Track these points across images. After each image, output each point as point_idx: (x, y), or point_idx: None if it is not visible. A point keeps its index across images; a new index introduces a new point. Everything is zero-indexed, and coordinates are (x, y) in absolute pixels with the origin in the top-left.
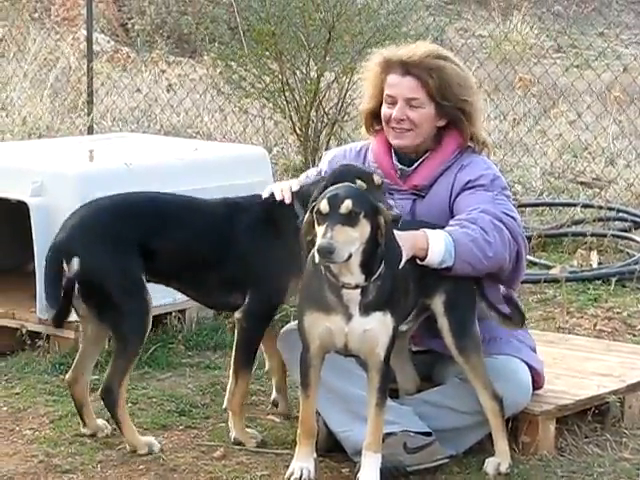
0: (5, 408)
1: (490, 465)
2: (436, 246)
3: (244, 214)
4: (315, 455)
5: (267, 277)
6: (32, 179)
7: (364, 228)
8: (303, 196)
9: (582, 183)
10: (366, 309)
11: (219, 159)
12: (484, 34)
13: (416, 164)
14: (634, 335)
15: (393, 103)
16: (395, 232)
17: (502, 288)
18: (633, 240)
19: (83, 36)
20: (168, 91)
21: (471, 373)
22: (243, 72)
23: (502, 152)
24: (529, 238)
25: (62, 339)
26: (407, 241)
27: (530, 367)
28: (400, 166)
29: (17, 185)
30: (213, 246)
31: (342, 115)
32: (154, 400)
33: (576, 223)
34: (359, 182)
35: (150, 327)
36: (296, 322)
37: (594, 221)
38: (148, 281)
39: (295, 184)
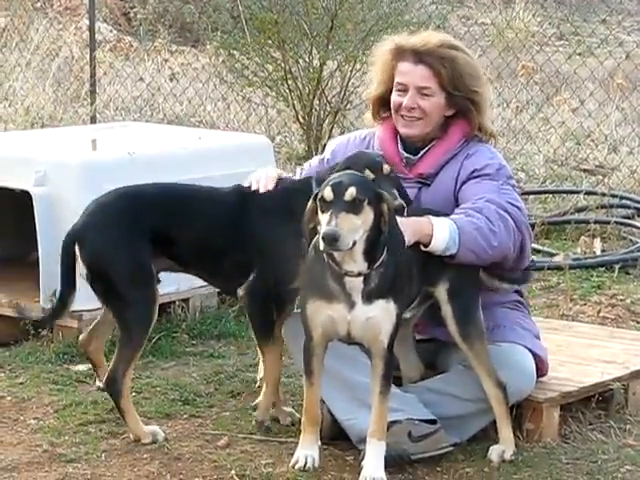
0: (9, 398)
1: (494, 452)
2: (440, 233)
3: (259, 199)
4: (319, 443)
5: (274, 258)
6: (35, 169)
7: (368, 215)
8: (320, 181)
9: (585, 170)
10: (369, 297)
11: (222, 148)
12: (486, 22)
13: (422, 152)
14: (637, 322)
15: (404, 91)
16: (398, 218)
17: None
18: (636, 227)
19: (85, 25)
20: (171, 80)
21: (475, 360)
22: (246, 61)
23: (505, 140)
24: (532, 225)
25: (66, 328)
26: (410, 226)
27: (534, 354)
28: (406, 154)
29: (20, 175)
30: (229, 232)
31: (345, 103)
32: (158, 389)
33: (579, 210)
34: (367, 172)
35: (156, 317)
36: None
37: (597, 208)
38: (166, 270)
39: (273, 172)
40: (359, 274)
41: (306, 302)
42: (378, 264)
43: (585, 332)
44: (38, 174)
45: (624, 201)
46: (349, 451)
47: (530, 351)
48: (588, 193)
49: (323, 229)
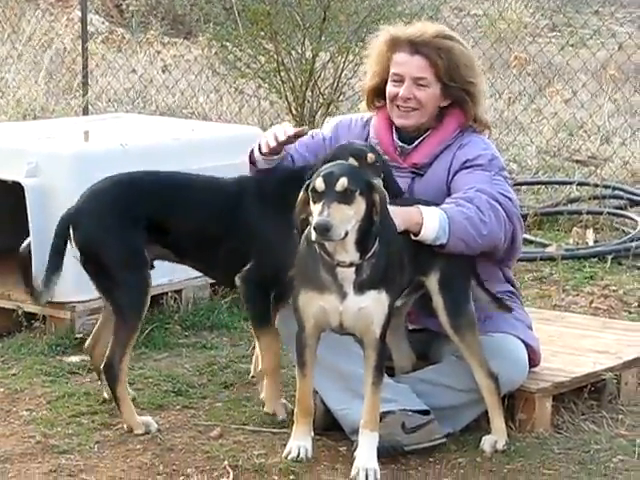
0: (2, 389)
1: (487, 443)
2: (430, 222)
3: (256, 188)
4: (312, 434)
5: (272, 246)
6: (27, 160)
7: (360, 205)
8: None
9: (578, 161)
10: (360, 287)
11: (215, 139)
12: (479, 13)
13: (416, 142)
14: (630, 312)
15: (400, 81)
16: (389, 207)
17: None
18: (629, 218)
19: (78, 17)
20: (163, 72)
21: (466, 351)
22: (238, 52)
23: (497, 131)
24: (525, 216)
25: (58, 320)
26: (399, 215)
27: (526, 345)
28: (400, 144)
29: (12, 166)
30: (225, 220)
31: (337, 95)
32: (151, 380)
33: (572, 201)
34: (351, 159)
35: (149, 303)
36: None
37: (590, 199)
38: (161, 258)
39: (288, 126)
40: (351, 264)
41: (298, 293)
42: (370, 254)
43: (577, 322)
44: (30, 165)
45: (616, 192)
46: (342, 442)
47: (522, 341)
48: (581, 184)
49: (315, 219)
